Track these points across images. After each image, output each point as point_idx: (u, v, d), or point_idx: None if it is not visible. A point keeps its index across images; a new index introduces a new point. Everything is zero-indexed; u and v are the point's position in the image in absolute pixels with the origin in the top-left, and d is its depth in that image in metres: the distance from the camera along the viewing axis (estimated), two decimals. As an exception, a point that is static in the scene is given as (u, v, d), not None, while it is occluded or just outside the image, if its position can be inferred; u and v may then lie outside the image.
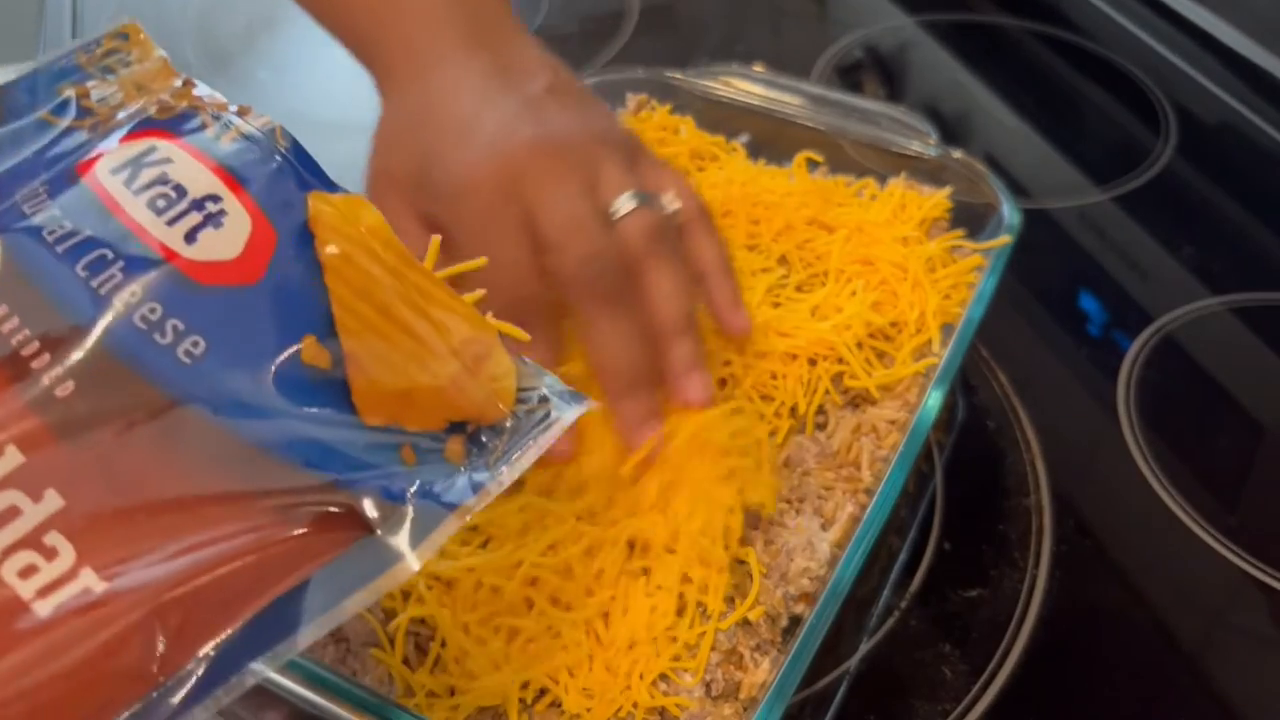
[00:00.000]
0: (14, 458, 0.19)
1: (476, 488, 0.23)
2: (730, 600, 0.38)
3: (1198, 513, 0.48)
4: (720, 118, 0.59)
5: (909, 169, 0.55)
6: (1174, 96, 0.76)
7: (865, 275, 0.49)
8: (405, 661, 0.36)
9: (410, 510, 0.22)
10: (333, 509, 0.21)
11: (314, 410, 0.23)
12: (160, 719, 0.18)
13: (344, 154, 0.39)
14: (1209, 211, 0.67)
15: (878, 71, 0.80)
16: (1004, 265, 0.49)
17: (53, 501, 0.19)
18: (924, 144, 0.55)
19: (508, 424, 0.25)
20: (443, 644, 0.36)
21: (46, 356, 0.21)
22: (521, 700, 0.35)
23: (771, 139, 0.58)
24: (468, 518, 0.22)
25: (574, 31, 0.81)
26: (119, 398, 0.21)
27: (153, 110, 0.28)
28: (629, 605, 0.37)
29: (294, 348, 0.23)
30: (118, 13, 0.78)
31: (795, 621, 0.37)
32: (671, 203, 0.42)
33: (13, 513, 0.19)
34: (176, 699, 0.19)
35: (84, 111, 0.27)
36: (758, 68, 0.60)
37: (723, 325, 0.44)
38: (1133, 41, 0.82)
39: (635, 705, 0.35)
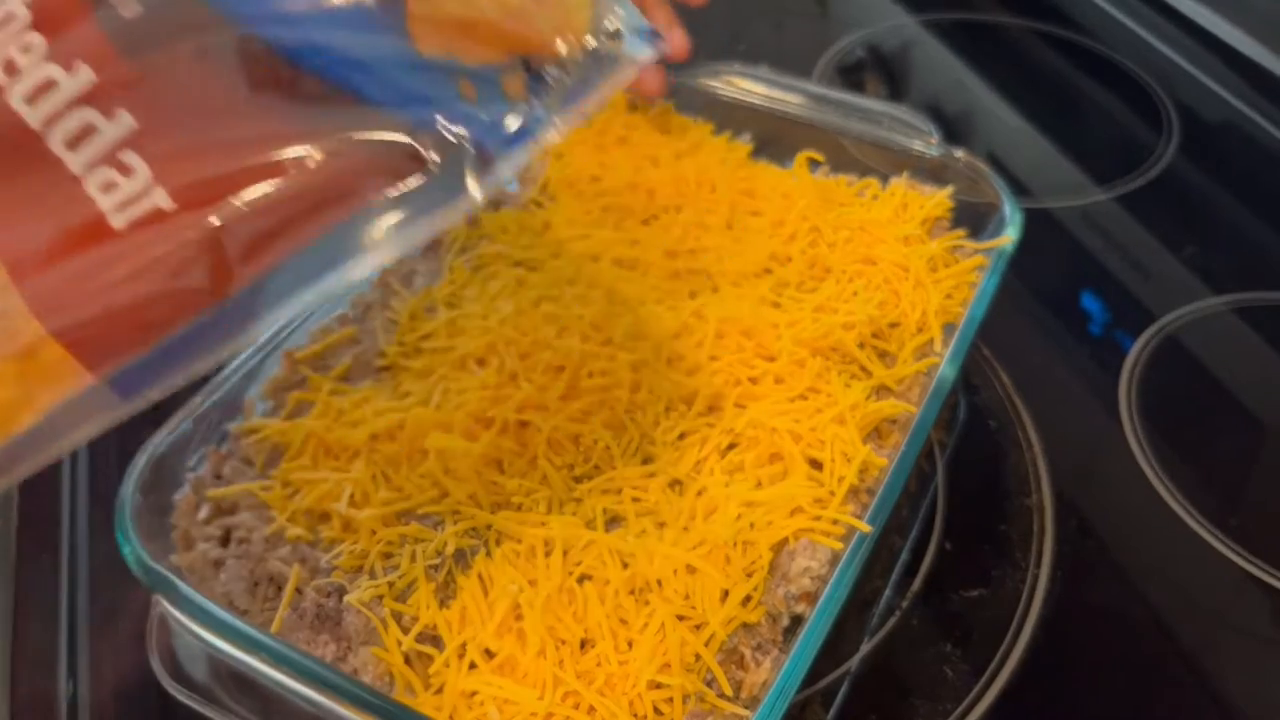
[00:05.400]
0: (86, 75, 0.20)
1: (534, 130, 0.21)
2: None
3: (1199, 512, 0.48)
4: (722, 117, 0.59)
5: (911, 168, 0.55)
6: (1176, 96, 0.76)
7: (867, 275, 0.49)
8: (407, 661, 0.36)
9: (470, 149, 0.21)
10: (392, 140, 0.20)
11: (369, 37, 0.21)
12: (222, 334, 0.19)
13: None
14: (1211, 211, 0.67)
15: (879, 71, 0.80)
16: (1006, 265, 0.49)
17: (125, 121, 0.20)
18: (926, 143, 0.55)
19: (577, 58, 0.22)
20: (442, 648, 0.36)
21: None
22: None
23: (773, 138, 0.58)
24: (524, 159, 0.21)
25: (576, 30, 0.81)
26: (181, 19, 0.21)
27: None
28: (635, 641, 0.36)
29: None
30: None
31: (796, 621, 0.37)
32: None
33: (89, 130, 0.19)
34: (239, 315, 0.19)
35: None
36: (760, 67, 0.60)
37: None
38: (1135, 41, 0.82)
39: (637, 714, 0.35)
